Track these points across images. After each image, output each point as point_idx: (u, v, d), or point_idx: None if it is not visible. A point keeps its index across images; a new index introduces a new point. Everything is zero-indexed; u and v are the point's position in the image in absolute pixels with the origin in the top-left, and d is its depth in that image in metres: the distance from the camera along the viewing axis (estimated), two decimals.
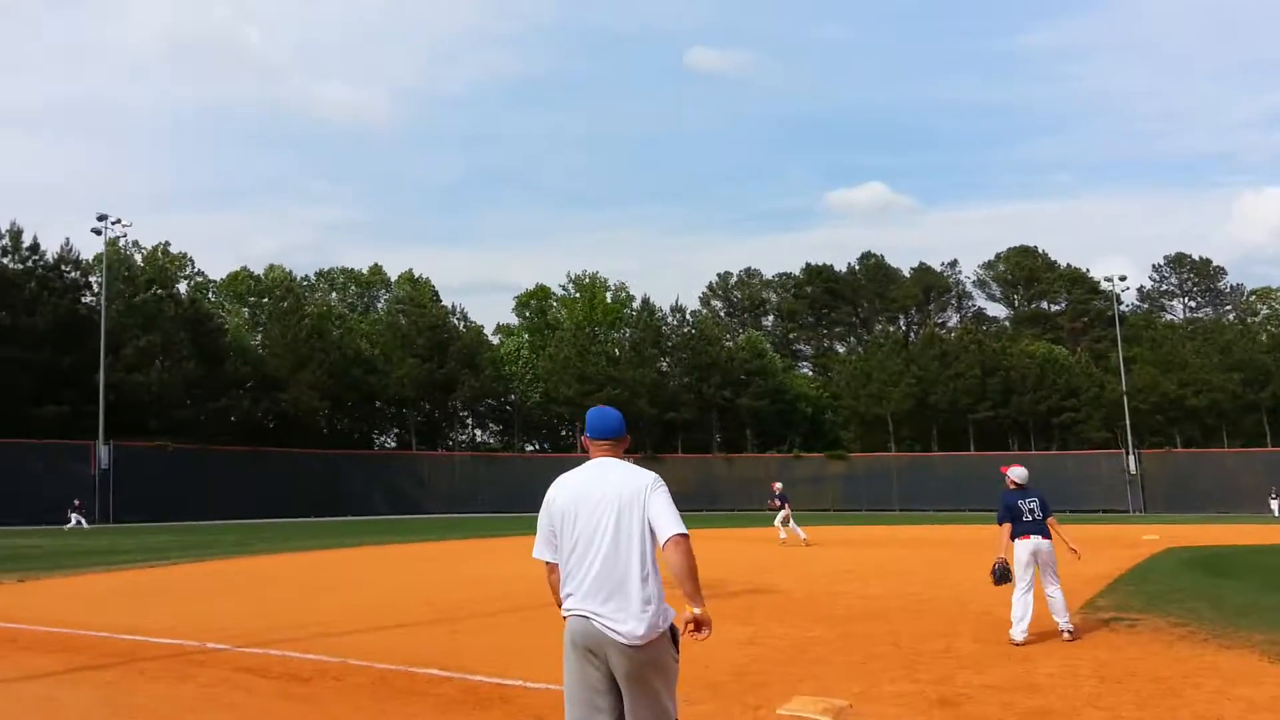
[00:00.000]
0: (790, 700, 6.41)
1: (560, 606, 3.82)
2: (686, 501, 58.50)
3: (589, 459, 3.96)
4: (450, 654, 8.19)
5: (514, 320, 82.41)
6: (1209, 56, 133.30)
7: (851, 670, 7.57)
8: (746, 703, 6.42)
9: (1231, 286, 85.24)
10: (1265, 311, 74.84)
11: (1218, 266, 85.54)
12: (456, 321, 69.46)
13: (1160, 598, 11.71)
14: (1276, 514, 47.80)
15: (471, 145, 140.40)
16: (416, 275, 78.92)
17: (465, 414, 71.72)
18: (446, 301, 74.72)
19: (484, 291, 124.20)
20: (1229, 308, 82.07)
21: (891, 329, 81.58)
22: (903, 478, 60.83)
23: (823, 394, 73.73)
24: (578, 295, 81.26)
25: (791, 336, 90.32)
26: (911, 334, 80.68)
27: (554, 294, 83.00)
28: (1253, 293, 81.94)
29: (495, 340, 76.10)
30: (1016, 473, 9.50)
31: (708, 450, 67.11)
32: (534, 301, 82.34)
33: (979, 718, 6.08)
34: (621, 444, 3.98)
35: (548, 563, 3.88)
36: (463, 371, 63.37)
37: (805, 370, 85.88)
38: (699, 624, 3.66)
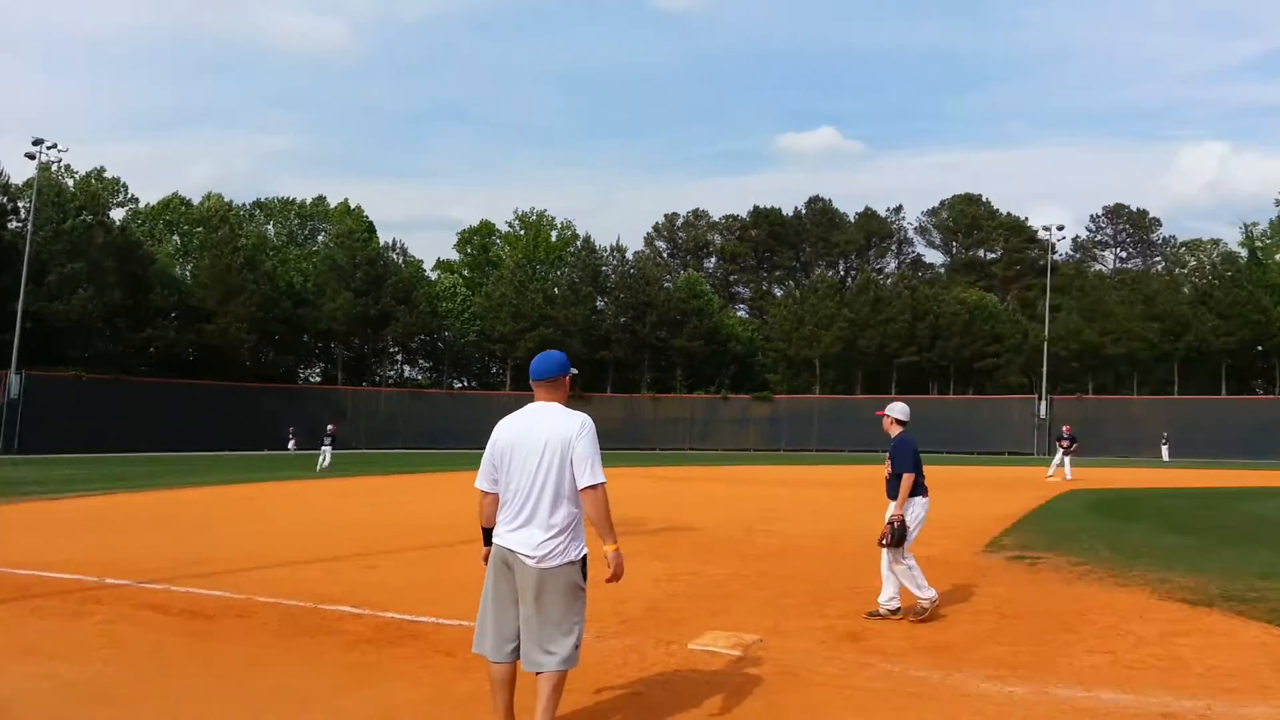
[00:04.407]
0: (702, 635, 6.49)
1: (485, 529, 4.36)
2: (613, 440, 59.11)
3: (532, 399, 4.37)
4: (363, 591, 8.08)
5: (455, 256, 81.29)
6: (1165, 8, 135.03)
7: (764, 606, 7.68)
8: (659, 637, 6.47)
9: (1164, 238, 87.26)
10: (1192, 263, 76.90)
11: (1153, 218, 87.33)
12: (395, 256, 68.24)
13: (1062, 537, 12.14)
14: (1166, 458, 49.92)
15: (424, 76, 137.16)
16: (358, 208, 77.28)
17: (395, 350, 70.81)
18: (388, 236, 73.63)
19: (428, 227, 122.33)
20: (1158, 259, 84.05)
21: (830, 274, 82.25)
22: (824, 419, 62.00)
23: (756, 336, 74.33)
24: (523, 233, 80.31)
25: (732, 279, 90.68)
26: (849, 279, 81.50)
27: (499, 231, 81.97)
28: (1182, 244, 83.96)
29: (434, 276, 74.96)
30: (901, 410, 7.72)
31: (637, 390, 67.43)
32: (476, 238, 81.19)
33: (882, 650, 6.21)
34: (559, 385, 4.36)
35: (485, 492, 4.33)
36: (398, 307, 62.53)
37: (741, 312, 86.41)
38: (609, 561, 4.20)
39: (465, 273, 77.47)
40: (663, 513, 15.58)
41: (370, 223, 75.70)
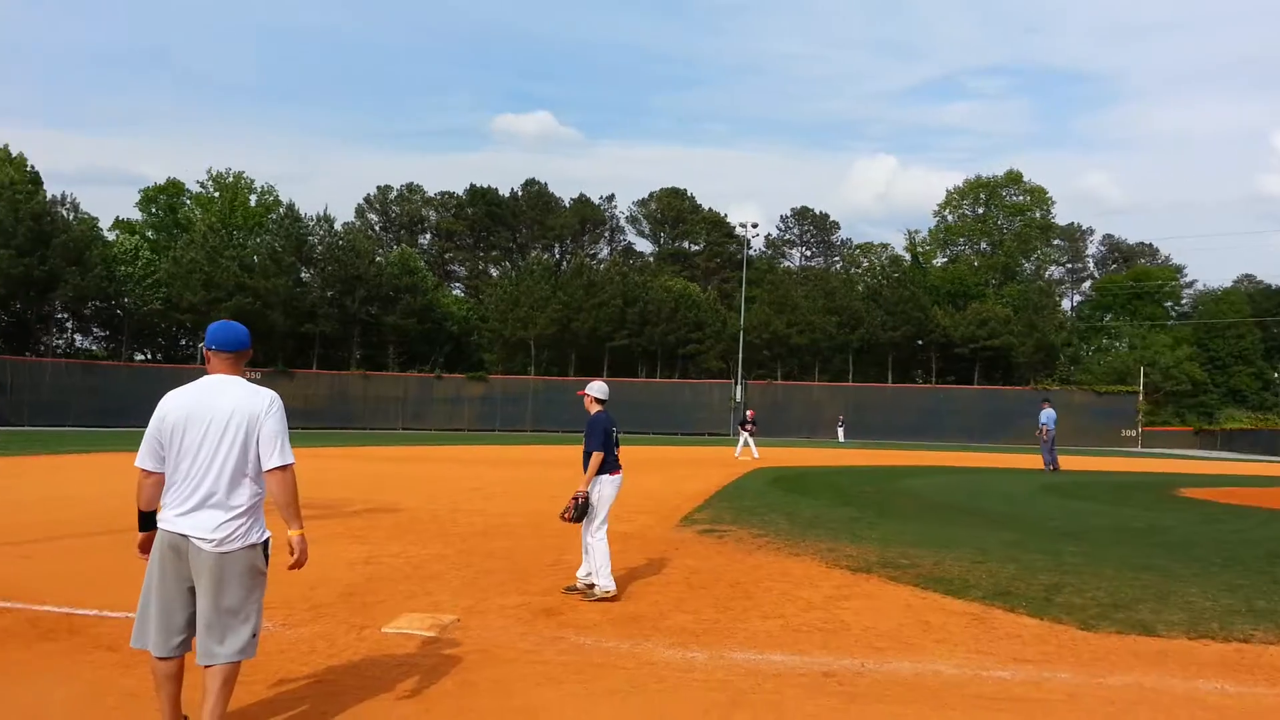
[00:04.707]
0: (397, 618, 6.36)
1: (143, 512, 3.97)
2: (319, 418, 56.45)
3: (207, 371, 4.03)
4: (14, 582, 7.22)
5: (138, 216, 73.63)
6: (846, 29, 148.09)
7: (465, 586, 7.65)
8: (352, 623, 6.27)
9: (842, 241, 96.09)
10: (865, 264, 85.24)
11: (833, 221, 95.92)
12: (65, 212, 60.49)
13: (747, 511, 13.10)
14: (841, 439, 55.40)
15: (101, 15, 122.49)
16: (20, 156, 67.33)
17: (65, 317, 63.27)
18: (56, 189, 64.97)
19: (105, 182, 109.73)
20: (837, 259, 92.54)
21: (546, 256, 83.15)
22: (539, 400, 62.87)
23: (472, 316, 73.76)
24: (217, 195, 74.09)
25: (448, 257, 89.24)
26: (564, 262, 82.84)
27: (189, 191, 75.13)
28: (857, 247, 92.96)
29: (112, 236, 67.45)
30: (599, 388, 7.83)
31: (346, 366, 64.88)
32: (163, 197, 73.92)
33: (577, 624, 6.40)
34: (243, 358, 4.02)
35: (148, 471, 3.92)
36: (67, 269, 55.65)
37: (457, 291, 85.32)
38: (292, 547, 4.02)
39: (150, 234, 70.56)
40: (367, 494, 15.14)
41: (35, 174, 66.91)
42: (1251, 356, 76.36)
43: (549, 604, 7.03)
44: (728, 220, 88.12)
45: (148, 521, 3.98)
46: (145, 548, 4.02)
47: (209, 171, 75.37)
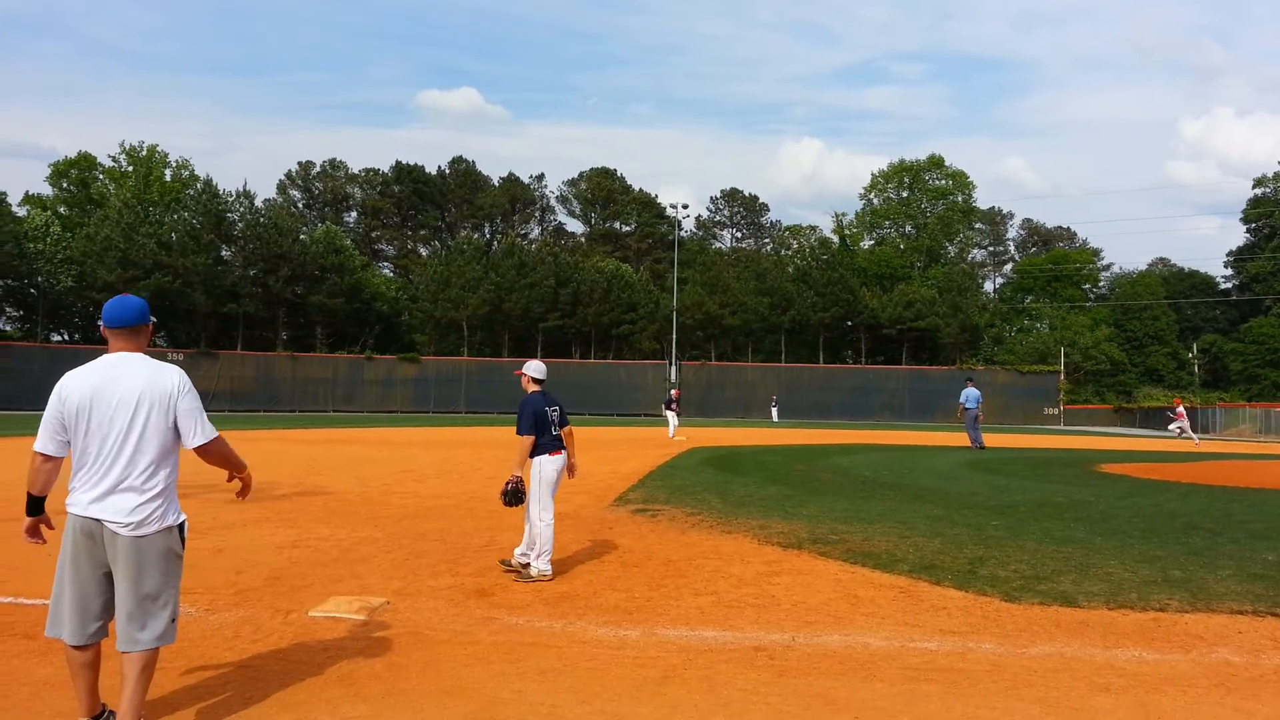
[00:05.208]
0: (324, 601, 6.23)
1: (34, 496, 3.84)
2: (246, 401, 55.34)
3: (107, 350, 3.88)
4: None
5: (48, 191, 70.82)
6: (767, 11, 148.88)
7: (395, 567, 7.54)
8: (278, 607, 6.12)
9: (771, 222, 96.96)
10: (795, 246, 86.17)
11: (762, 203, 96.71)
12: None
13: (681, 491, 13.16)
14: (775, 419, 56.11)
15: None
16: None
17: None
18: None
19: (10, 155, 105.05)
20: (767, 240, 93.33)
21: (475, 236, 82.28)
22: (472, 380, 62.37)
23: (401, 295, 72.68)
24: (131, 169, 71.60)
25: (375, 235, 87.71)
26: (495, 242, 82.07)
27: (101, 165, 72.43)
28: (786, 229, 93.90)
29: (21, 212, 64.79)
30: (535, 368, 7.73)
31: (272, 348, 63.46)
32: (74, 172, 71.20)
33: (510, 604, 6.34)
34: (143, 333, 3.86)
35: (47, 456, 3.77)
36: None
37: (386, 270, 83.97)
38: (238, 478, 4.21)
39: (61, 210, 67.96)
40: (296, 477, 14.84)
41: None
42: (1166, 337, 79.07)
43: (481, 585, 6.95)
44: (658, 201, 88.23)
45: (36, 506, 3.88)
46: (33, 532, 3.91)
47: (122, 145, 72.92)
